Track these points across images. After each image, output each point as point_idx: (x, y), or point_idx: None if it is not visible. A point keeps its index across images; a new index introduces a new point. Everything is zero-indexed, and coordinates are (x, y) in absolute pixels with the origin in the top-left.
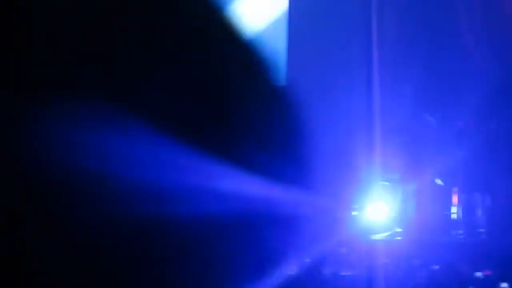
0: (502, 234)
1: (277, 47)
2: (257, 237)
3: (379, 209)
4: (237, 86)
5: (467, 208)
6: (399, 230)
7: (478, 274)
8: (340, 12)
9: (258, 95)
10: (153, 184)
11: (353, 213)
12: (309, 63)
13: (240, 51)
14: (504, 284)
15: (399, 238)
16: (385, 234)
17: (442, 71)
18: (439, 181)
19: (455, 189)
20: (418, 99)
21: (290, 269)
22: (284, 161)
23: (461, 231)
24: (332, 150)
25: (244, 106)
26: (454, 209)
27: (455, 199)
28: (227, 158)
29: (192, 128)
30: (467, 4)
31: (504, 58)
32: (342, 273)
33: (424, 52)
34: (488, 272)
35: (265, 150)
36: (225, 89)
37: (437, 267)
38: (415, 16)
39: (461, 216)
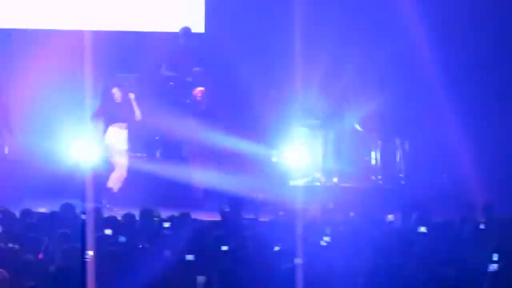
0: (420, 179)
1: None
2: None
3: (299, 155)
4: None
5: (386, 153)
6: (318, 176)
7: (390, 217)
8: None
9: None
10: None
11: (273, 158)
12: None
13: None
14: (423, 228)
15: (317, 184)
16: (304, 180)
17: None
18: (358, 127)
19: (375, 134)
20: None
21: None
22: None
23: (380, 177)
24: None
25: None
26: (373, 155)
27: (374, 144)
28: None
29: None
30: None
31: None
32: (261, 219)
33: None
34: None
35: None
36: None
37: (352, 213)
38: None
39: (380, 162)
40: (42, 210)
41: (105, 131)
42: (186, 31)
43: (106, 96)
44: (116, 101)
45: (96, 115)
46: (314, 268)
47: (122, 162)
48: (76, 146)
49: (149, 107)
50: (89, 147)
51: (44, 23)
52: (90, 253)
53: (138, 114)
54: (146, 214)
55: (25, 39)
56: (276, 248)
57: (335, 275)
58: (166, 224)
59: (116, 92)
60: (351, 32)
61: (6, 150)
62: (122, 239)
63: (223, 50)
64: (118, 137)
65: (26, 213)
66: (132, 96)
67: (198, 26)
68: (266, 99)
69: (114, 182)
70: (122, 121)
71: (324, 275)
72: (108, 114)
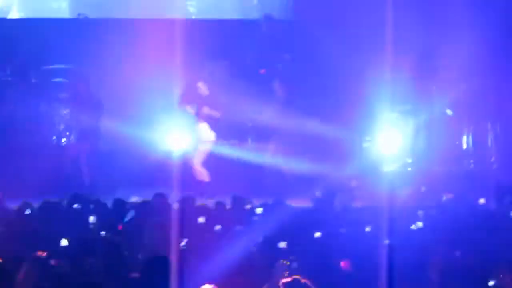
0: None
1: None
2: None
3: (391, 140)
4: None
5: (478, 137)
6: (410, 161)
7: (482, 201)
8: None
9: None
10: None
11: (365, 144)
12: None
13: None
14: None
15: (409, 169)
16: (396, 165)
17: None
18: (449, 111)
19: (466, 118)
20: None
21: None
22: None
23: (472, 161)
24: (343, 81)
25: None
26: (465, 139)
27: (465, 128)
28: None
29: None
30: None
31: None
32: (354, 205)
33: None
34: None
35: None
36: None
37: (445, 198)
38: None
39: (471, 146)
40: (135, 199)
41: (194, 122)
42: (267, 17)
43: (192, 89)
44: (202, 95)
45: (183, 107)
46: (407, 252)
47: (203, 151)
48: (170, 135)
49: (239, 93)
50: (183, 136)
51: (138, 13)
52: (184, 241)
53: (215, 115)
54: (238, 201)
55: (120, 28)
56: (367, 229)
57: (428, 259)
58: (259, 211)
59: (202, 86)
60: (443, 16)
61: None
62: (217, 227)
63: (312, 36)
64: (204, 128)
65: (119, 203)
66: (206, 110)
67: (287, 12)
68: (357, 85)
69: (201, 172)
70: (206, 117)
71: (417, 259)
72: (195, 107)
